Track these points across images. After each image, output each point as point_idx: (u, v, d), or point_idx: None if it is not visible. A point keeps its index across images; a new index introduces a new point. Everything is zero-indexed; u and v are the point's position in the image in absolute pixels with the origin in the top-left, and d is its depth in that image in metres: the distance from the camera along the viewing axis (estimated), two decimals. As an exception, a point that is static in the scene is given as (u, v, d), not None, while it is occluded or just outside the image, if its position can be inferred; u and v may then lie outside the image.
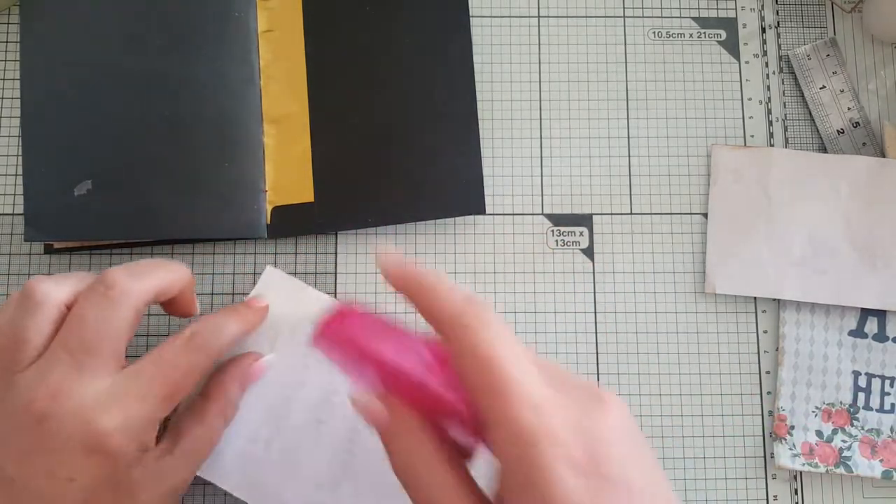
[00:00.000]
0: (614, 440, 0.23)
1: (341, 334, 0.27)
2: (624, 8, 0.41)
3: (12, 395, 0.27)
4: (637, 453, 0.24)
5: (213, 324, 0.30)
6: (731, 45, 0.41)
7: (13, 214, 0.38)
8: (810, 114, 0.40)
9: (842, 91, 0.40)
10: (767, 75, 0.40)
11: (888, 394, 0.37)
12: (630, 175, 0.39)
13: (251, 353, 0.34)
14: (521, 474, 0.22)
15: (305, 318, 0.34)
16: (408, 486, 0.25)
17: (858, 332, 0.37)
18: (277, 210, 0.37)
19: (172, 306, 0.32)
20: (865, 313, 0.38)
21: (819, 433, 0.36)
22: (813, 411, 0.37)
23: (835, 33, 0.41)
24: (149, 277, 0.29)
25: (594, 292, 0.38)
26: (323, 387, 0.34)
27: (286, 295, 0.35)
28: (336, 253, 0.38)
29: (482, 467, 0.25)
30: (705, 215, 0.39)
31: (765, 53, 0.41)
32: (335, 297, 0.37)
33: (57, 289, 0.28)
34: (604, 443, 0.23)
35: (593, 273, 0.38)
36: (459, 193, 0.37)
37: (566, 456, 0.22)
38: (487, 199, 0.38)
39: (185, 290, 0.31)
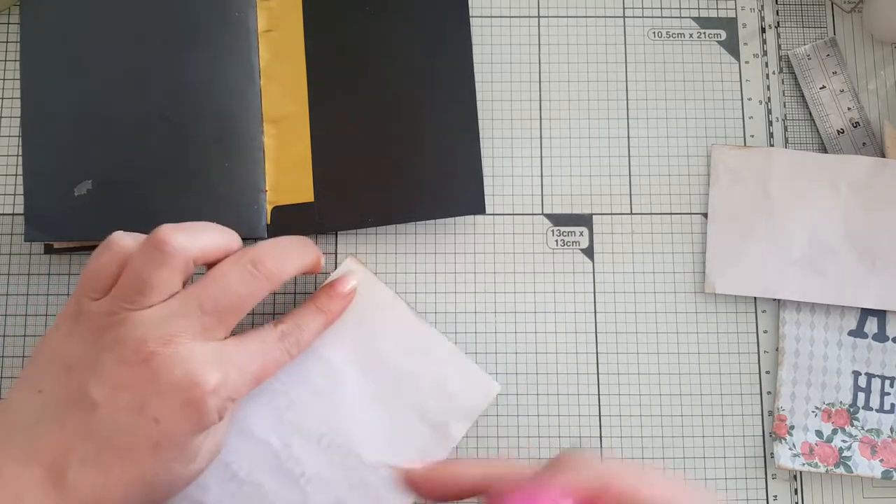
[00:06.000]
0: None
1: None
2: (624, 8, 0.41)
3: (125, 330, 0.27)
4: None
5: (303, 324, 0.32)
6: (731, 45, 0.41)
7: (13, 214, 0.38)
8: (810, 114, 0.40)
9: (842, 91, 0.40)
10: (767, 75, 0.40)
11: (888, 394, 0.37)
12: (630, 175, 0.39)
13: None
14: None
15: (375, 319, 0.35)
16: None
17: (858, 332, 0.37)
18: (277, 210, 0.37)
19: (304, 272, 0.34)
20: (865, 313, 0.38)
21: (819, 433, 0.36)
22: (813, 411, 0.37)
23: (835, 33, 0.41)
24: (291, 264, 0.31)
25: (594, 292, 0.38)
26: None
27: (360, 293, 0.35)
28: (336, 253, 0.38)
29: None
30: (705, 215, 0.39)
31: (765, 53, 0.41)
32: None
33: (189, 243, 0.29)
34: None
35: (593, 273, 0.38)
36: (459, 193, 0.37)
37: None
38: (487, 199, 0.38)
39: (316, 260, 0.34)
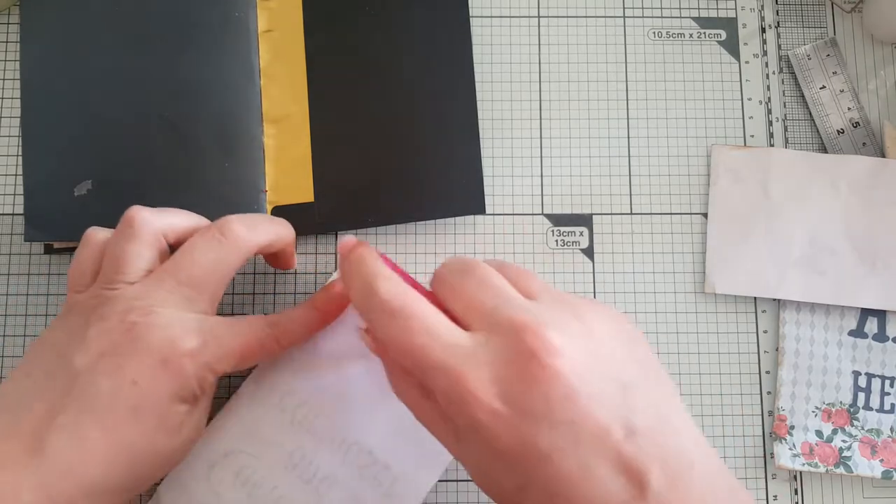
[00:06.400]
0: (537, 376, 0.23)
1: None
2: (624, 8, 0.41)
3: (108, 307, 0.28)
4: (582, 390, 0.23)
5: (294, 317, 0.32)
6: (731, 45, 0.41)
7: (13, 214, 0.38)
8: (810, 114, 0.40)
9: (842, 91, 0.40)
10: (767, 75, 0.40)
11: (888, 394, 0.37)
12: (630, 175, 0.39)
13: None
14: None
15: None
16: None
17: (858, 332, 0.37)
18: (277, 210, 0.37)
19: (275, 260, 0.35)
20: (865, 313, 0.38)
21: (819, 433, 0.36)
22: (813, 411, 0.37)
23: (835, 33, 0.41)
24: (261, 231, 0.31)
25: (594, 292, 0.38)
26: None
27: None
28: (336, 253, 0.38)
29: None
30: (705, 215, 0.39)
31: (765, 53, 0.41)
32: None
33: (155, 218, 0.30)
34: (520, 379, 0.24)
35: (593, 273, 0.38)
36: (459, 193, 0.37)
37: (483, 392, 0.24)
38: (487, 199, 0.38)
39: (288, 246, 0.34)
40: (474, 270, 0.27)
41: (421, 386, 0.27)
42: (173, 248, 0.31)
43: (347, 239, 0.30)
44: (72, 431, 0.26)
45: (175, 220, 0.31)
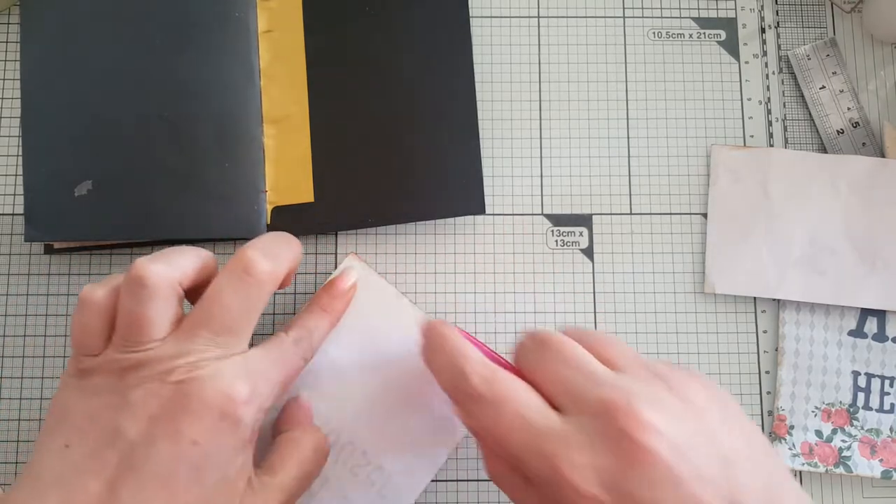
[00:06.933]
0: (634, 458, 0.23)
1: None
2: (624, 8, 0.41)
3: (146, 368, 0.27)
4: (683, 469, 0.23)
5: (312, 327, 0.32)
6: (731, 46, 0.41)
7: (13, 214, 0.38)
8: (810, 114, 0.40)
9: (841, 91, 0.40)
10: (767, 75, 0.40)
11: (888, 394, 0.37)
12: (630, 175, 0.39)
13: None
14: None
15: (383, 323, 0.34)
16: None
17: (858, 332, 0.37)
18: (277, 210, 0.37)
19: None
20: (865, 313, 0.38)
21: (819, 433, 0.36)
22: (812, 411, 0.37)
23: (835, 33, 0.41)
24: (283, 259, 0.30)
25: (594, 292, 0.38)
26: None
27: (361, 291, 0.35)
28: (336, 253, 0.38)
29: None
30: (705, 215, 0.39)
31: (765, 54, 0.41)
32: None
33: (167, 271, 0.28)
34: (617, 462, 0.23)
35: (593, 273, 0.38)
36: (459, 193, 0.37)
37: (582, 480, 0.23)
38: (487, 199, 0.38)
39: (296, 267, 0.32)
40: (552, 345, 0.26)
41: (521, 473, 0.26)
42: (187, 291, 0.30)
43: (427, 321, 0.29)
44: None
45: (184, 263, 0.29)
